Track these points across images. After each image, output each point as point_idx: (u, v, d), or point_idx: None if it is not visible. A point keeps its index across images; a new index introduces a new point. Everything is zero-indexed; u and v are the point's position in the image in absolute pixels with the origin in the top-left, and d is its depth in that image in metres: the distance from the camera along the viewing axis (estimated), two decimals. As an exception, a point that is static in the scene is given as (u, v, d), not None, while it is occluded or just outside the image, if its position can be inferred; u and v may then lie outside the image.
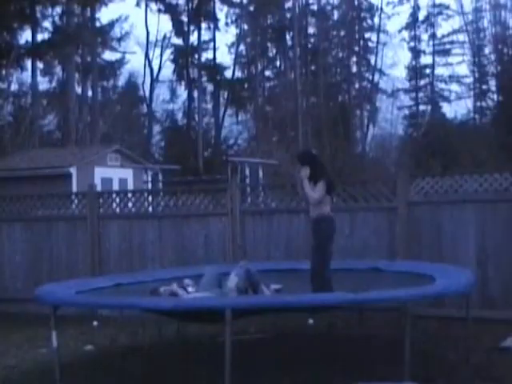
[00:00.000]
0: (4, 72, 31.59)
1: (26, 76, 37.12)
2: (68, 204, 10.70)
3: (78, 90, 40.28)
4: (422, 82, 48.43)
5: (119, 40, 44.02)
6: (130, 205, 10.15)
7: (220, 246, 9.48)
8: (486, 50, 45.36)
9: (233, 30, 53.43)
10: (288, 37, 46.44)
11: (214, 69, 46.68)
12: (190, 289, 6.66)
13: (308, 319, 8.16)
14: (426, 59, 48.17)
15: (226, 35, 61.68)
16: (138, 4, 45.21)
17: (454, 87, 48.35)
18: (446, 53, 48.68)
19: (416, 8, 48.22)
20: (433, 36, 48.40)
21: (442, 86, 48.57)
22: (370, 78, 48.47)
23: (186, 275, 7.52)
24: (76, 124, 33.14)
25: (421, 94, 47.95)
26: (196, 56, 46.35)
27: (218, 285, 6.66)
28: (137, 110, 46.77)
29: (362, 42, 48.90)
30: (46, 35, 37.14)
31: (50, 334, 6.02)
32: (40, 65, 38.85)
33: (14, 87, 35.47)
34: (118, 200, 10.28)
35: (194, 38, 46.15)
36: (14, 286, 10.71)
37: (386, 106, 47.36)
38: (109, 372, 6.46)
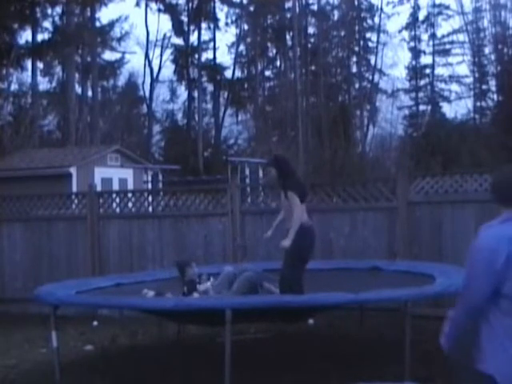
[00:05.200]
0: (4, 72, 31.57)
1: (26, 76, 37.18)
2: (68, 204, 10.70)
3: (78, 90, 40.31)
4: (422, 82, 48.43)
5: (119, 40, 44.06)
6: (130, 205, 10.15)
7: (220, 246, 9.47)
8: (486, 50, 45.39)
9: (233, 30, 53.51)
10: (288, 37, 46.45)
11: (214, 69, 46.70)
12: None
13: (308, 319, 8.15)
14: (426, 59, 48.23)
15: (226, 35, 61.83)
16: (137, 4, 45.24)
17: (454, 87, 48.40)
18: (446, 53, 48.67)
19: (416, 8, 48.25)
20: (433, 36, 48.40)
21: (442, 86, 48.63)
22: (370, 78, 48.48)
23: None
24: (76, 124, 33.10)
25: (421, 94, 47.95)
26: (196, 56, 46.37)
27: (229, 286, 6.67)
28: (137, 109, 46.77)
29: (362, 42, 48.89)
30: (46, 35, 37.21)
31: (50, 334, 6.03)
32: (40, 65, 38.89)
33: (13, 87, 35.49)
34: (118, 200, 10.28)
35: (194, 38, 46.23)
36: (14, 285, 10.70)
37: (386, 106, 47.41)
38: (108, 372, 6.46)
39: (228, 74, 47.77)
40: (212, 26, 47.42)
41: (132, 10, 71.59)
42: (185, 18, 46.35)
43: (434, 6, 47.96)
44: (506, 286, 2.93)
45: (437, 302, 7.84)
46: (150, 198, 10.38)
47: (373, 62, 48.33)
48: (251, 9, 46.63)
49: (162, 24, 73.72)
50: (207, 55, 47.66)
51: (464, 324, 3.16)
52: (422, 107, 47.83)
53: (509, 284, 2.93)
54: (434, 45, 48.13)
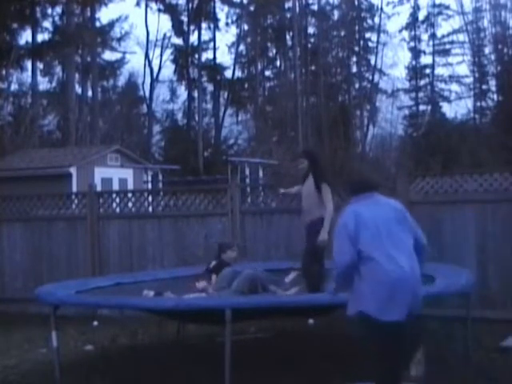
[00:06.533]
0: (4, 72, 31.58)
1: (26, 76, 37.19)
2: (68, 204, 10.69)
3: (78, 90, 40.31)
4: (422, 82, 48.46)
5: (119, 40, 44.10)
6: (130, 205, 10.14)
7: (220, 246, 9.46)
8: (486, 50, 45.40)
9: (233, 30, 53.53)
10: (288, 37, 46.46)
11: (214, 69, 46.71)
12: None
13: (308, 319, 8.15)
14: (426, 59, 48.27)
15: (226, 35, 61.85)
16: (138, 4, 45.28)
17: (454, 87, 48.45)
18: (446, 53, 48.70)
19: (416, 8, 48.29)
20: (433, 36, 48.44)
21: (442, 86, 48.66)
22: (370, 78, 48.50)
23: (185, 275, 7.55)
24: (76, 124, 33.09)
25: (421, 94, 47.97)
26: (196, 56, 46.38)
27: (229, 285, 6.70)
28: (137, 109, 46.77)
29: (362, 42, 48.91)
30: (46, 35, 37.23)
31: (50, 334, 6.03)
32: (40, 65, 38.90)
33: (13, 87, 35.50)
34: (118, 200, 10.27)
35: (194, 38, 46.25)
36: (14, 285, 10.70)
37: (385, 106, 47.43)
38: (108, 372, 6.46)
39: (228, 74, 47.85)
40: (212, 26, 47.45)
41: (132, 10, 71.76)
42: (185, 18, 46.38)
43: (434, 6, 48.05)
44: (359, 243, 4.25)
45: (437, 302, 7.85)
46: (150, 198, 10.37)
47: (373, 62, 48.39)
48: (251, 9, 46.65)
49: (162, 24, 73.67)
50: (207, 55, 47.75)
51: (343, 278, 4.43)
52: (422, 107, 47.88)
53: (360, 242, 4.25)
54: (433, 45, 48.17)
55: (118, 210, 10.25)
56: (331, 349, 6.98)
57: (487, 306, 7.83)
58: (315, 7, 48.10)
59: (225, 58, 51.31)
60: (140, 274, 8.49)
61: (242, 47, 48.76)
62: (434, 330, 7.53)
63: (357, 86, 48.19)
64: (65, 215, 10.58)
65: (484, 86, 45.61)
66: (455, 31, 47.53)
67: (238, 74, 48.64)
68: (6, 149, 25.42)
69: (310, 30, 48.31)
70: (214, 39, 47.42)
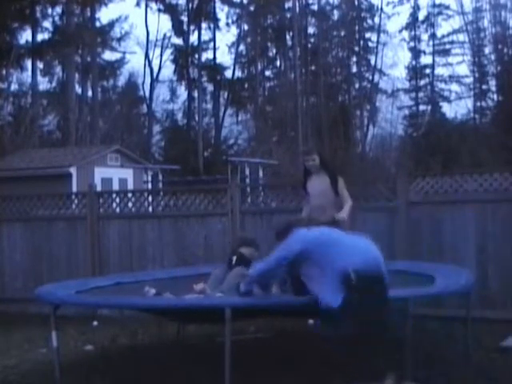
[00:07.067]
0: (4, 72, 31.60)
1: (26, 76, 37.22)
2: (68, 204, 10.68)
3: (78, 90, 40.32)
4: (422, 82, 48.48)
5: (119, 40, 44.16)
6: (130, 205, 10.14)
7: (220, 246, 9.46)
8: (486, 50, 45.43)
9: (233, 30, 53.57)
10: (288, 37, 46.48)
11: (214, 69, 46.73)
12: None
13: (308, 319, 8.14)
14: (426, 59, 48.30)
15: (226, 35, 61.92)
16: (137, 4, 45.32)
17: (454, 87, 48.47)
18: (446, 53, 48.72)
19: (416, 8, 48.33)
20: (433, 36, 48.46)
21: (442, 86, 48.68)
22: (370, 78, 48.51)
23: (185, 275, 7.54)
24: (76, 124, 33.11)
25: (421, 94, 47.99)
26: (196, 56, 46.40)
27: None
28: (137, 109, 46.80)
29: (362, 42, 48.93)
30: (46, 35, 37.27)
31: (50, 334, 6.02)
32: (40, 65, 38.94)
33: (14, 87, 35.53)
34: (118, 200, 10.26)
35: (194, 38, 46.28)
36: (14, 285, 10.70)
37: (385, 106, 47.46)
38: (108, 372, 6.46)
39: (228, 73, 47.89)
40: (212, 26, 47.49)
41: (132, 10, 71.81)
42: (185, 18, 46.42)
43: (434, 5, 48.09)
44: (318, 246, 5.02)
45: (437, 302, 7.85)
46: (150, 198, 10.36)
47: (373, 62, 48.41)
48: (251, 9, 46.66)
49: (162, 24, 73.71)
50: (207, 55, 47.81)
51: (263, 277, 5.39)
52: (422, 107, 47.92)
53: (319, 244, 5.02)
54: (433, 45, 48.19)
55: (118, 209, 10.23)
56: (331, 349, 6.98)
57: (487, 306, 7.83)
58: (315, 7, 48.17)
59: (225, 57, 51.47)
60: (140, 273, 8.48)
61: (242, 47, 48.84)
62: (433, 330, 7.53)
63: (357, 86, 48.21)
64: (65, 215, 10.57)
65: (484, 86, 45.63)
66: (455, 31, 47.61)
67: (238, 74, 48.73)
68: (5, 149, 25.45)
69: (310, 30, 48.40)
70: (214, 39, 47.51)
